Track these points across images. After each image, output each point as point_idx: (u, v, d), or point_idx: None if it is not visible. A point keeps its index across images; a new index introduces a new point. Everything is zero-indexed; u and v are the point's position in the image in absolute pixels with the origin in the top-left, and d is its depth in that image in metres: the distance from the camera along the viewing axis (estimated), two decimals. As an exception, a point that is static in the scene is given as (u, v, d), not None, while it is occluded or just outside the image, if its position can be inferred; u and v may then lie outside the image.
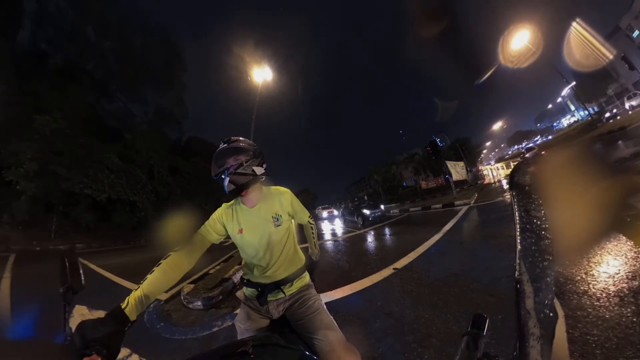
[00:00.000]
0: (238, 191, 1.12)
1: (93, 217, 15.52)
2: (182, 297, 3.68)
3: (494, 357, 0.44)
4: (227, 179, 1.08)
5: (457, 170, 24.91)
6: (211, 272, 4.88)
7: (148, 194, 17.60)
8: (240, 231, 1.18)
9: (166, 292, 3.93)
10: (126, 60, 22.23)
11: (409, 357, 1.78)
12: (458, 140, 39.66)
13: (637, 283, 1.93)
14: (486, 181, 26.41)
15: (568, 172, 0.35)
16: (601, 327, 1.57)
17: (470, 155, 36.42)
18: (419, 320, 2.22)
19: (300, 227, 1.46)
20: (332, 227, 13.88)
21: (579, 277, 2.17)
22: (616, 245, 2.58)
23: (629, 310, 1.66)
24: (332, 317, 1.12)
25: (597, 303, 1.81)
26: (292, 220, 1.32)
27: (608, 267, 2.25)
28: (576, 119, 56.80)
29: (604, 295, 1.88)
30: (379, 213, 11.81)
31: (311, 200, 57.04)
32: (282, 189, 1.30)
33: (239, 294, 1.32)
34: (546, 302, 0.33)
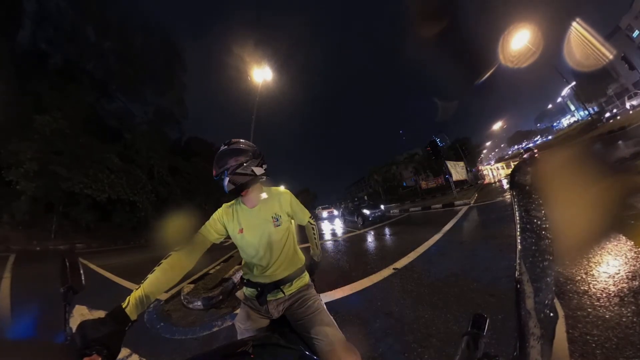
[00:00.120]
0: (238, 191, 1.13)
1: (93, 217, 15.53)
2: (182, 297, 3.68)
3: (494, 357, 0.44)
4: (227, 179, 1.10)
5: (457, 170, 24.90)
6: (211, 272, 4.88)
7: (148, 194, 17.61)
8: (241, 231, 1.19)
9: (166, 292, 3.93)
10: (126, 60, 22.24)
11: (409, 357, 1.78)
12: (458, 140, 39.65)
13: (637, 283, 1.93)
14: (486, 181, 26.41)
15: (568, 172, 0.35)
16: (601, 327, 1.57)
17: (470, 155, 36.42)
18: (419, 320, 2.22)
19: (301, 228, 1.46)
20: (332, 227, 13.88)
21: (579, 277, 2.17)
22: (616, 245, 2.58)
23: (629, 310, 1.66)
24: (332, 317, 1.12)
25: (597, 303, 1.81)
26: (292, 221, 1.32)
27: (608, 267, 2.25)
28: (576, 119, 56.81)
29: (604, 295, 1.88)
30: (379, 213, 11.81)
31: (311, 200, 57.09)
32: (281, 189, 1.30)
33: (239, 294, 1.32)
34: (546, 302, 0.33)
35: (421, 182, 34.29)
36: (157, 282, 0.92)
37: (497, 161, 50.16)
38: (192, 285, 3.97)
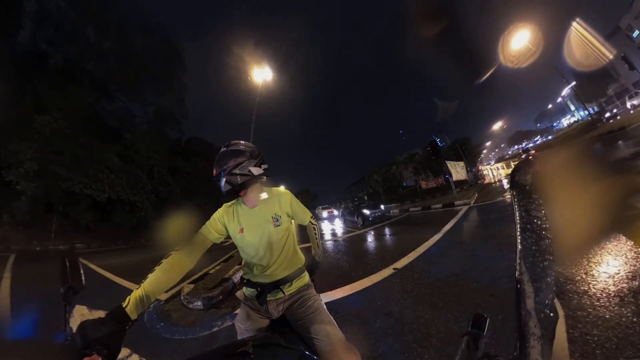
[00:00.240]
0: (235, 191, 1.13)
1: (93, 217, 15.53)
2: (182, 297, 3.68)
3: (494, 357, 0.44)
4: (224, 179, 1.10)
5: (457, 170, 24.90)
6: (211, 272, 4.88)
7: (148, 194, 17.61)
8: (241, 231, 1.19)
9: (166, 292, 3.93)
10: (126, 60, 22.24)
11: (409, 357, 1.78)
12: (458, 140, 39.65)
13: (637, 283, 1.93)
14: (486, 181, 26.41)
15: (568, 172, 0.35)
16: (601, 327, 1.57)
17: (470, 155, 36.41)
18: (419, 320, 2.22)
19: (301, 228, 1.46)
20: (332, 227, 13.88)
21: (579, 277, 2.17)
22: (616, 245, 2.58)
23: (629, 310, 1.66)
24: (332, 317, 1.12)
25: (597, 303, 1.81)
26: (292, 221, 1.32)
27: (608, 267, 2.25)
28: (576, 119, 56.81)
29: (604, 295, 1.88)
30: (379, 213, 11.81)
31: (311, 200, 57.10)
32: (282, 190, 1.30)
33: (239, 294, 1.33)
34: (546, 302, 0.33)
35: (421, 182, 34.29)
36: (157, 281, 0.92)
37: (497, 161, 50.18)
38: (192, 285, 3.97)
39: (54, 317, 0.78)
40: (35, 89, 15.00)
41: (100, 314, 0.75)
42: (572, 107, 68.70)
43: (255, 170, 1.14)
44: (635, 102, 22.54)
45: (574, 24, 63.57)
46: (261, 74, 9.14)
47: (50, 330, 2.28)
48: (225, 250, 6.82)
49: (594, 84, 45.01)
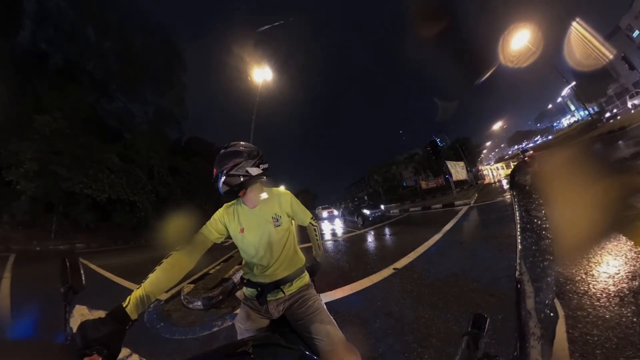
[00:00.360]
0: (234, 192, 1.13)
1: (93, 217, 15.52)
2: (182, 297, 3.68)
3: (494, 357, 0.44)
4: (222, 180, 1.10)
5: (457, 170, 24.90)
6: (211, 272, 4.88)
7: (148, 194, 17.60)
8: (242, 230, 1.19)
9: (166, 292, 3.93)
10: (126, 60, 22.23)
11: (409, 357, 1.78)
12: (458, 140, 39.62)
13: (637, 283, 1.93)
14: (486, 181, 26.42)
15: (568, 172, 0.35)
16: (601, 327, 1.57)
17: (470, 155, 36.38)
18: (419, 320, 2.22)
19: (301, 227, 1.46)
20: (332, 227, 13.88)
21: (579, 277, 2.17)
22: (616, 245, 2.58)
23: (629, 310, 1.66)
24: (332, 317, 1.12)
25: (597, 303, 1.81)
26: (292, 221, 1.32)
27: (608, 267, 2.25)
28: (576, 119, 56.80)
29: (604, 295, 1.88)
30: (379, 213, 11.81)
31: (311, 200, 57.10)
32: (282, 190, 1.30)
33: (239, 294, 1.33)
34: (547, 302, 0.33)
35: (421, 182, 34.28)
36: (157, 281, 0.92)
37: (497, 161, 50.19)
38: (192, 285, 3.97)
39: (54, 317, 0.78)
40: (35, 89, 15.00)
41: (100, 314, 0.75)
42: (572, 107, 68.70)
43: (253, 171, 1.13)
44: (636, 101, 22.55)
45: (574, 24, 63.60)
46: (261, 74, 9.14)
47: (50, 330, 2.28)
48: (225, 250, 6.82)
49: (594, 84, 45.02)
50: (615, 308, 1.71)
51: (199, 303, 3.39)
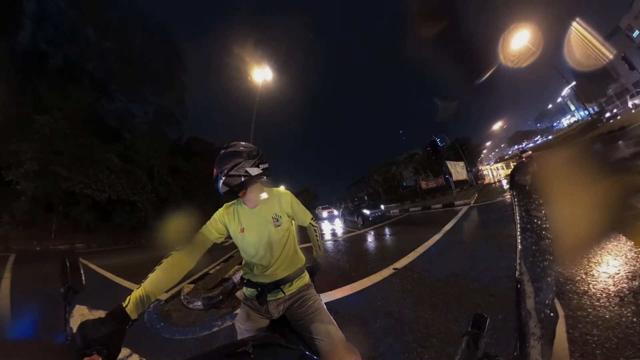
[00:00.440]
0: (233, 192, 1.13)
1: (93, 217, 15.52)
2: (182, 297, 3.68)
3: (494, 357, 0.44)
4: (221, 180, 1.10)
5: (457, 170, 24.89)
6: (211, 272, 4.88)
7: (148, 194, 17.60)
8: (242, 230, 1.19)
9: (166, 292, 3.93)
10: (126, 60, 22.23)
11: (409, 357, 1.78)
12: (458, 140, 39.63)
13: (637, 283, 1.93)
14: (486, 181, 26.42)
15: (568, 172, 0.35)
16: (601, 327, 1.57)
17: (470, 155, 36.38)
18: (419, 320, 2.22)
19: (301, 227, 1.45)
20: (332, 227, 13.88)
21: (579, 277, 2.17)
22: (616, 245, 2.58)
23: (629, 310, 1.66)
24: (332, 317, 1.12)
25: (597, 303, 1.81)
26: (292, 222, 1.32)
27: (608, 267, 2.25)
28: (576, 119, 56.81)
29: (604, 295, 1.88)
30: (379, 213, 11.81)
31: (311, 200, 57.06)
32: (282, 190, 1.30)
33: (239, 294, 1.33)
34: (547, 302, 0.33)
35: (421, 182, 34.27)
36: (157, 281, 0.92)
37: (497, 161, 50.18)
38: (192, 285, 3.97)
39: (54, 317, 0.78)
40: (35, 89, 15.00)
41: (100, 314, 0.75)
42: (572, 107, 68.71)
43: (253, 171, 1.13)
44: (636, 101, 22.55)
45: (574, 24, 63.61)
46: (261, 74, 9.14)
47: (50, 330, 2.28)
48: (225, 250, 6.82)
49: (594, 84, 45.03)
50: (615, 308, 1.71)
51: (199, 303, 3.39)
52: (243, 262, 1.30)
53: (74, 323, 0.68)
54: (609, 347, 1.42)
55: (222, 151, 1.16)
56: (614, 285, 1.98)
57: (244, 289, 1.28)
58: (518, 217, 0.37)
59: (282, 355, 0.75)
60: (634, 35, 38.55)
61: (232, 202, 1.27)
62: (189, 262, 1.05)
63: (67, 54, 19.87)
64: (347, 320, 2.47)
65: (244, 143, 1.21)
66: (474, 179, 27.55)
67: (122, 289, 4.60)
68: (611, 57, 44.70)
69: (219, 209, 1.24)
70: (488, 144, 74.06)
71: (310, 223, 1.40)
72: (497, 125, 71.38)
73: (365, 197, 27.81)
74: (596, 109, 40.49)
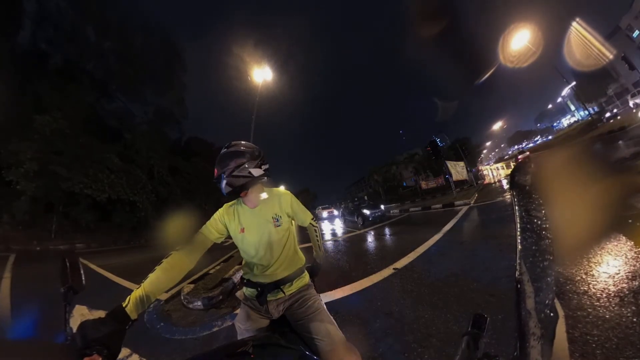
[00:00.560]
0: (236, 192, 1.13)
1: (93, 217, 15.51)
2: (182, 297, 3.68)
3: (494, 357, 0.44)
4: (224, 181, 1.10)
5: (457, 170, 24.89)
6: (211, 272, 4.88)
7: (148, 194, 17.59)
8: (242, 230, 1.19)
9: (166, 292, 3.93)
10: (126, 60, 22.21)
11: (409, 357, 1.78)
12: (458, 140, 39.62)
13: (637, 283, 1.93)
14: (486, 181, 26.41)
15: (568, 172, 0.35)
16: (601, 327, 1.57)
17: (470, 155, 36.37)
18: (419, 320, 2.22)
19: (301, 227, 1.45)
20: (332, 227, 13.88)
21: (579, 277, 2.17)
22: (616, 245, 2.58)
23: (629, 310, 1.66)
24: (332, 317, 1.12)
25: (597, 303, 1.81)
26: (292, 222, 1.32)
27: (608, 267, 2.25)
28: (576, 119, 56.84)
29: (604, 295, 1.88)
30: (379, 213, 11.81)
31: (311, 200, 57.07)
32: (282, 190, 1.30)
33: (239, 294, 1.33)
34: (547, 302, 0.33)
35: (421, 182, 34.27)
36: (157, 281, 0.92)
37: (497, 161, 50.20)
38: (192, 285, 3.97)
39: (54, 317, 0.78)
40: (35, 89, 14.98)
41: (100, 314, 0.75)
42: (572, 107, 68.71)
43: (256, 172, 1.14)
44: (638, 100, 22.52)
45: (574, 24, 63.61)
46: (261, 74, 9.14)
47: (50, 330, 2.28)
48: (225, 250, 6.82)
49: (594, 84, 45.03)
50: (615, 308, 1.71)
51: (199, 303, 3.39)
52: (243, 262, 1.30)
53: (74, 323, 0.68)
54: (609, 347, 1.42)
55: (224, 150, 1.16)
56: (614, 285, 1.98)
57: (244, 289, 1.28)
58: (518, 217, 0.37)
59: (282, 355, 0.75)
60: (634, 35, 38.54)
61: (232, 202, 1.27)
62: (189, 262, 1.05)
63: (67, 54, 19.86)
64: (347, 320, 2.47)
65: (245, 142, 1.21)
66: (474, 179, 27.55)
67: (122, 289, 4.60)
68: (611, 57, 44.70)
69: (219, 209, 1.24)
70: (488, 144, 74.07)
71: (310, 223, 1.40)
72: (497, 125, 71.35)
73: (365, 197, 27.81)
74: (596, 109, 40.52)
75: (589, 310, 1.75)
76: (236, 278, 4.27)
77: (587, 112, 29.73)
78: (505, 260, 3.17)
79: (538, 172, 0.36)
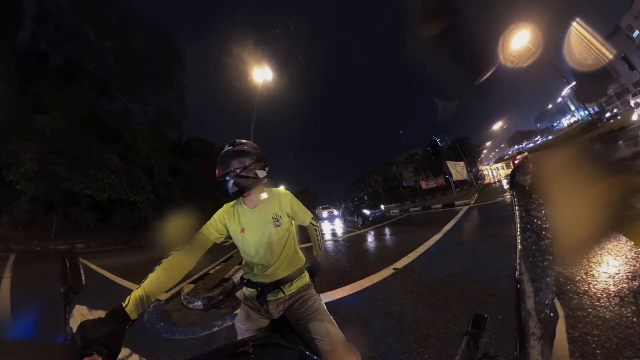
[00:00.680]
0: (241, 192, 1.15)
1: (93, 217, 15.51)
2: (182, 297, 3.68)
3: (494, 357, 0.44)
4: (232, 181, 1.11)
5: (457, 170, 24.88)
6: (211, 272, 4.88)
7: (148, 194, 17.59)
8: (242, 230, 1.19)
9: (166, 292, 3.93)
10: (126, 60, 22.22)
11: (409, 357, 1.78)
12: (458, 140, 39.64)
13: (637, 283, 1.93)
14: (486, 181, 26.40)
15: (568, 172, 0.35)
16: (601, 327, 1.57)
17: (470, 155, 36.37)
18: (419, 320, 2.22)
19: (301, 227, 1.46)
20: (332, 227, 13.88)
21: (579, 277, 2.17)
22: (616, 245, 2.58)
23: (629, 310, 1.66)
24: (332, 317, 1.12)
25: (597, 303, 1.81)
26: (292, 222, 1.33)
27: (608, 267, 2.25)
28: (576, 119, 56.86)
29: (604, 295, 1.88)
30: (379, 213, 11.80)
31: (311, 200, 57.08)
32: (282, 190, 1.31)
33: (239, 294, 1.33)
34: (547, 302, 0.33)
35: (421, 182, 34.26)
36: (157, 281, 0.92)
37: (497, 161, 50.19)
38: (192, 285, 3.97)
39: (54, 317, 0.78)
40: (35, 89, 14.99)
41: (100, 314, 0.75)
42: (572, 107, 68.72)
43: (261, 173, 1.17)
44: (639, 99, 22.47)
45: (574, 24, 63.62)
46: (261, 74, 9.14)
47: (50, 330, 2.28)
48: (225, 250, 6.82)
49: (594, 84, 45.03)
50: (616, 308, 1.71)
51: (199, 303, 3.39)
52: (243, 262, 1.31)
53: (74, 323, 0.68)
54: (609, 347, 1.42)
55: (230, 148, 1.17)
56: (614, 285, 1.98)
57: (244, 289, 1.28)
58: (518, 217, 0.37)
59: (282, 355, 0.74)
60: (634, 35, 38.52)
61: (232, 202, 1.28)
62: (188, 262, 1.06)
63: (67, 54, 19.86)
64: (347, 320, 2.47)
65: (249, 142, 1.22)
66: (474, 179, 27.54)
67: (122, 289, 4.60)
68: (611, 57, 44.68)
69: (219, 209, 1.25)
70: (488, 144, 74.04)
71: (310, 222, 1.41)
72: (497, 125, 71.29)
73: (365, 197, 27.80)
74: (596, 109, 40.53)
75: (589, 310, 1.75)
76: (236, 278, 4.27)
77: (587, 112, 29.73)
78: (505, 260, 3.17)
79: (538, 172, 0.36)
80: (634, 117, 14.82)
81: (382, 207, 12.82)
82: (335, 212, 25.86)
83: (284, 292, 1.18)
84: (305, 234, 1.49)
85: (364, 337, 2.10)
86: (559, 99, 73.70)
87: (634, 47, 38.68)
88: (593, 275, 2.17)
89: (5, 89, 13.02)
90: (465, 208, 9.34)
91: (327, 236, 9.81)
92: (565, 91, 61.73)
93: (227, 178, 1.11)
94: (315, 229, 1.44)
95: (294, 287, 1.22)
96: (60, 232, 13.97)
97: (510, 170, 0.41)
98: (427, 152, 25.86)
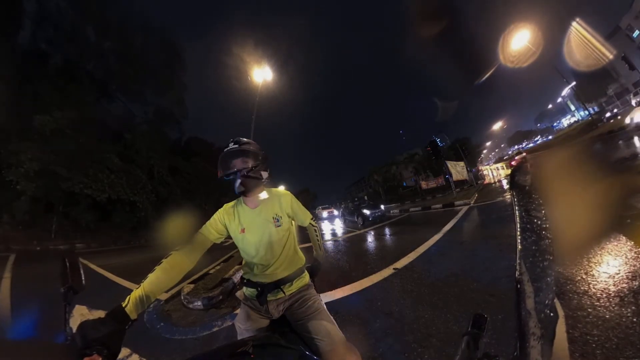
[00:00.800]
0: (245, 193, 1.17)
1: (93, 217, 15.51)
2: (182, 297, 3.68)
3: (494, 357, 0.44)
4: (239, 180, 1.12)
5: (457, 170, 24.88)
6: (211, 272, 4.88)
7: (148, 194, 17.59)
8: (243, 231, 1.19)
9: (166, 292, 3.93)
10: (126, 60, 22.20)
11: (409, 357, 1.78)
12: (458, 140, 39.65)
13: (637, 283, 1.93)
14: (486, 181, 26.40)
15: (568, 172, 0.35)
16: (601, 327, 1.57)
17: (470, 155, 36.37)
18: (419, 320, 2.22)
19: (301, 227, 1.46)
20: (332, 227, 13.88)
21: (579, 277, 2.17)
22: (616, 245, 2.58)
23: (629, 310, 1.66)
24: (332, 317, 1.12)
25: (598, 303, 1.81)
26: (293, 222, 1.33)
27: (608, 267, 2.25)
28: (576, 119, 56.87)
29: (604, 295, 1.88)
30: (379, 213, 11.81)
31: (311, 200, 57.06)
32: (282, 191, 1.31)
33: (239, 294, 1.34)
34: (547, 302, 0.33)
35: (421, 182, 34.27)
36: (157, 281, 0.92)
37: (497, 161, 50.18)
38: (192, 285, 3.97)
39: (54, 317, 0.78)
40: (35, 89, 14.99)
41: (100, 313, 0.75)
42: (572, 107, 68.72)
43: (265, 175, 1.20)
44: (640, 99, 22.44)
45: (574, 24, 63.61)
46: (261, 74, 9.14)
47: (50, 330, 2.28)
48: (225, 250, 6.82)
49: (594, 84, 45.04)
50: (616, 308, 1.71)
51: (199, 303, 3.39)
52: (243, 262, 1.31)
53: (74, 323, 0.68)
54: (609, 347, 1.42)
55: (235, 147, 1.17)
56: (614, 285, 1.97)
57: (244, 289, 1.28)
58: (518, 217, 0.37)
59: (282, 355, 0.74)
60: (634, 35, 38.52)
61: (232, 202, 1.28)
62: (188, 262, 1.06)
63: (67, 54, 19.84)
64: (347, 320, 2.47)
65: (252, 142, 1.24)
66: (474, 179, 27.54)
67: (122, 289, 4.60)
68: (611, 57, 44.67)
69: (219, 209, 1.25)
70: (488, 144, 74.02)
71: (310, 223, 1.41)
72: (497, 125, 71.26)
73: (365, 197, 27.80)
74: (596, 109, 40.53)
75: (589, 310, 1.75)
76: (236, 278, 4.27)
77: (587, 112, 29.72)
78: (505, 260, 3.17)
79: (538, 173, 0.36)
80: (627, 120, 14.77)
81: (382, 207, 12.83)
82: (335, 212, 25.87)
83: (284, 292, 1.18)
84: (305, 234, 1.49)
85: (364, 337, 2.10)
86: (559, 99, 73.72)
87: (634, 47, 38.67)
88: (593, 275, 2.17)
89: (5, 89, 13.02)
90: (465, 208, 9.34)
91: (327, 236, 9.81)
92: (565, 91, 61.75)
93: (235, 177, 1.13)
94: (315, 230, 1.45)
95: (294, 287, 1.22)
96: (60, 232, 13.97)
97: (510, 170, 0.41)
98: (427, 152, 25.87)
